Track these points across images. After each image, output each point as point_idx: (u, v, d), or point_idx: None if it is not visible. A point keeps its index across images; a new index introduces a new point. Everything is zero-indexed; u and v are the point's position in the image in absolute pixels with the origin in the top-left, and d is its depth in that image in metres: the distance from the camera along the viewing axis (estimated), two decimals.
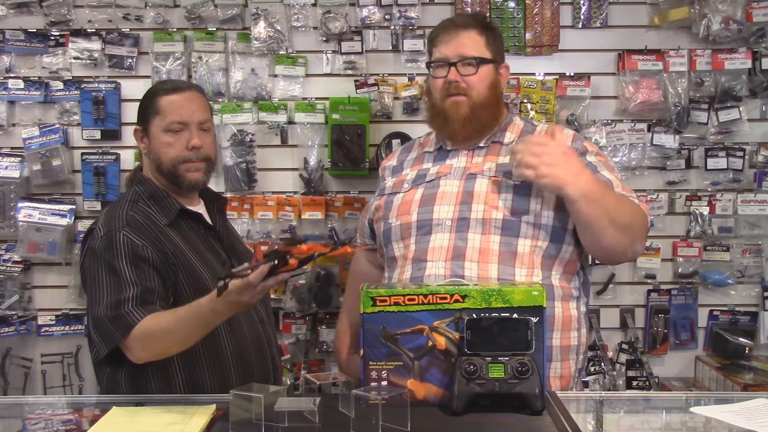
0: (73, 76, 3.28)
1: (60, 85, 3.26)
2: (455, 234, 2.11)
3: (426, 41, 2.98)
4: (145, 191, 2.14)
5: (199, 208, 2.24)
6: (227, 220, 2.37)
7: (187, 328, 1.89)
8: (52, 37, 3.27)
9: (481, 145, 2.23)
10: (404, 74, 3.28)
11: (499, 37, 2.29)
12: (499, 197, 2.12)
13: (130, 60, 3.28)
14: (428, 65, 2.27)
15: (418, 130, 2.96)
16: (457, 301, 1.79)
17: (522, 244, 2.09)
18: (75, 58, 3.27)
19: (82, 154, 3.27)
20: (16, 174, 3.24)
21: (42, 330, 3.29)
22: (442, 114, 2.21)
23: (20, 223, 3.22)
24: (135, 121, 3.19)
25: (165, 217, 2.11)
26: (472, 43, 2.18)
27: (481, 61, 2.17)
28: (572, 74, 3.25)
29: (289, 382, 3.17)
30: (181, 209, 2.14)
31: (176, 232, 2.11)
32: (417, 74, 3.25)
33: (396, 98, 3.29)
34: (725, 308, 3.32)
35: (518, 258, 2.09)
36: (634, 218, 2.09)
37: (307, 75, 3.29)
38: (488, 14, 3.22)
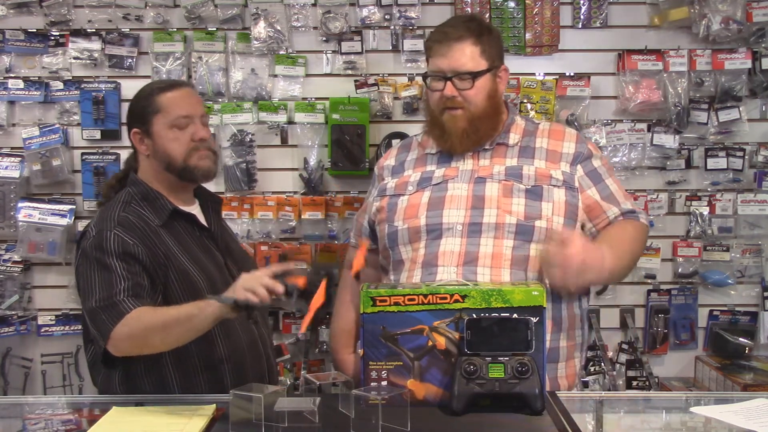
0: (73, 76, 3.28)
1: (60, 85, 3.26)
2: (467, 239, 2.10)
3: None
4: (137, 192, 2.14)
5: (194, 208, 2.23)
6: (223, 221, 2.36)
7: (178, 322, 1.87)
8: (52, 37, 3.27)
9: (486, 147, 2.23)
10: (404, 74, 3.28)
11: (496, 39, 2.25)
12: (512, 202, 2.12)
13: (130, 60, 3.28)
14: (424, 77, 2.27)
15: (418, 130, 2.96)
16: (457, 301, 1.79)
17: (534, 249, 2.09)
18: (75, 58, 3.26)
19: (82, 154, 3.27)
20: (16, 174, 3.24)
21: (42, 330, 3.29)
22: (440, 126, 2.21)
23: (20, 223, 3.21)
24: None
25: (157, 218, 2.10)
26: (466, 57, 2.15)
27: (476, 75, 2.15)
28: (572, 74, 3.25)
29: (289, 382, 3.17)
30: (174, 210, 2.14)
31: (169, 232, 2.10)
32: (417, 74, 3.25)
33: (396, 98, 3.29)
34: (725, 308, 3.32)
35: (530, 262, 2.09)
36: (641, 247, 2.22)
37: (307, 75, 3.29)
38: (488, 14, 3.23)
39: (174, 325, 1.87)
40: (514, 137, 2.24)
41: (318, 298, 1.74)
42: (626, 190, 3.16)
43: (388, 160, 2.40)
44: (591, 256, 1.91)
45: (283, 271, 1.80)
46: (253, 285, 1.76)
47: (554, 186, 2.14)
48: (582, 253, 1.89)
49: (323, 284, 1.77)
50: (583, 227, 2.19)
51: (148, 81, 3.21)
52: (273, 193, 3.29)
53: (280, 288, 1.76)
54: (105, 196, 2.24)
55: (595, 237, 2.18)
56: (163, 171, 2.14)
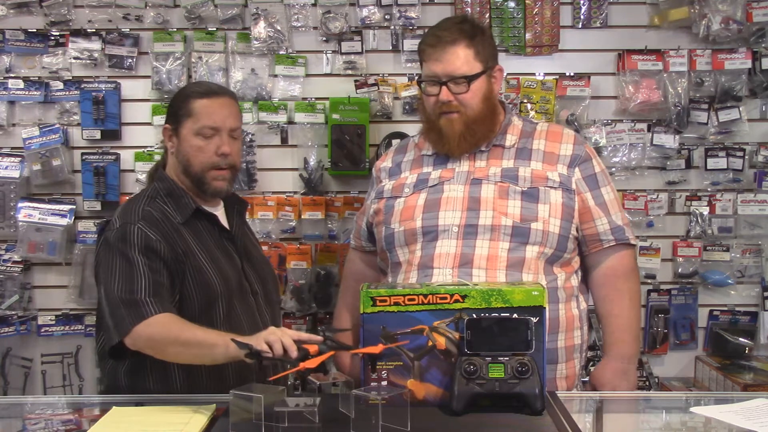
0: (73, 76, 3.27)
1: (60, 85, 3.26)
2: (462, 241, 2.10)
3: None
4: (163, 188, 2.17)
5: (217, 209, 2.25)
6: (246, 224, 2.38)
7: (199, 345, 1.89)
8: (52, 37, 3.26)
9: (483, 149, 2.23)
10: (404, 74, 3.27)
11: (489, 39, 2.26)
12: (508, 204, 2.11)
13: (130, 60, 3.27)
14: (419, 82, 2.26)
15: (418, 130, 2.96)
16: (457, 301, 1.80)
17: (530, 251, 2.09)
18: (75, 58, 3.26)
19: (82, 154, 3.26)
20: (16, 174, 3.23)
21: (42, 330, 3.28)
22: (436, 130, 2.21)
23: (20, 223, 3.21)
24: (135, 121, 3.19)
25: (180, 215, 2.13)
26: (460, 61, 2.14)
27: (471, 78, 2.15)
28: (572, 74, 3.25)
29: (289, 382, 3.16)
30: (197, 209, 2.16)
31: (190, 231, 2.13)
32: (417, 74, 3.24)
33: (396, 98, 3.29)
34: (725, 308, 3.32)
35: (525, 264, 2.09)
36: (637, 282, 2.27)
37: (307, 75, 3.29)
38: (488, 14, 3.22)
39: (195, 346, 1.89)
40: (510, 138, 2.24)
41: (311, 363, 1.75)
42: (626, 191, 3.21)
43: (385, 161, 2.40)
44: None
45: (307, 339, 1.81)
46: (274, 340, 1.77)
47: (551, 188, 2.14)
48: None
49: (325, 356, 1.77)
50: (576, 230, 2.19)
51: (147, 81, 3.25)
52: (273, 193, 3.29)
53: (294, 353, 1.76)
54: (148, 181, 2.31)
55: (587, 263, 2.24)
56: (182, 172, 2.18)
